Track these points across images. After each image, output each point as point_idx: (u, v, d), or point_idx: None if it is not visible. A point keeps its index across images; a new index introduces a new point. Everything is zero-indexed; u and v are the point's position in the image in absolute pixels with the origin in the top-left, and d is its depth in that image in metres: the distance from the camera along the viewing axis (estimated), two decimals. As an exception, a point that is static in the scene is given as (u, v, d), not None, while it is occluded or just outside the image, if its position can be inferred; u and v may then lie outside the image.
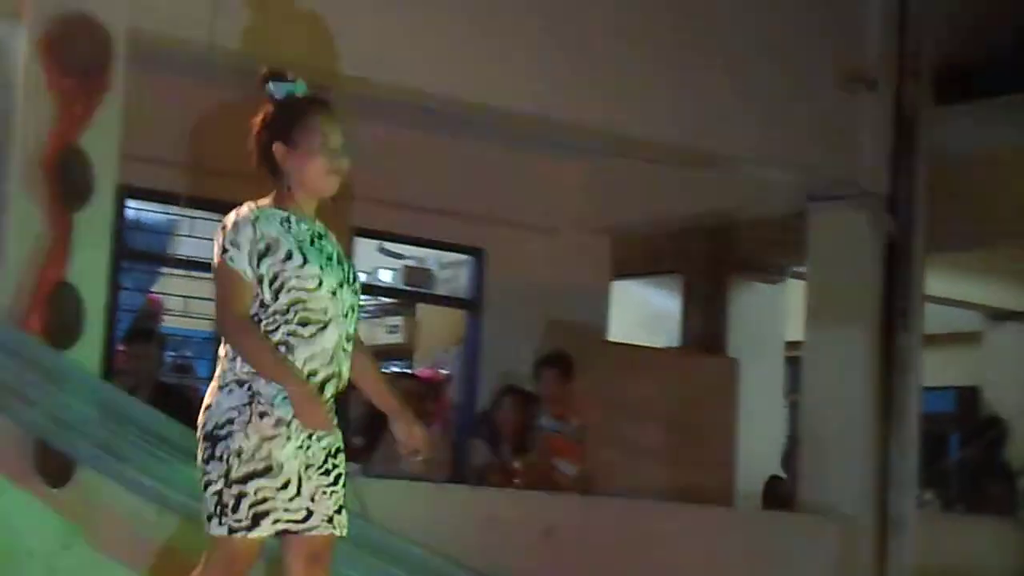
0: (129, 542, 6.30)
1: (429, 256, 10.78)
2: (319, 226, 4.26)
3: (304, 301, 4.05)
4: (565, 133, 8.39)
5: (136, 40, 6.49)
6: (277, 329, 4.05)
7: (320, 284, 4.08)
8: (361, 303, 4.28)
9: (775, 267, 11.46)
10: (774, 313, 11.51)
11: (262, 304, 4.07)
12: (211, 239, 9.45)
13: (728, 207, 10.14)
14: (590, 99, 7.81)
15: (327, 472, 4.13)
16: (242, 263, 4.06)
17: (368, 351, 4.41)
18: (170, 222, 9.64)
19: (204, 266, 9.33)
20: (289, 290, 4.05)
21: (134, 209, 9.17)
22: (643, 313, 11.99)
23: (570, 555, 7.47)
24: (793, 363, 11.12)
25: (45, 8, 6.24)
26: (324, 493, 4.12)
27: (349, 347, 4.16)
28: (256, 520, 4.02)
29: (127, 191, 7.69)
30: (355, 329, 4.22)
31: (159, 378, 7.94)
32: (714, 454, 9.06)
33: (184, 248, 9.53)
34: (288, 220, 4.14)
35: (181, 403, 7.42)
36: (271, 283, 4.05)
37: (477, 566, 6.68)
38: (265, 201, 4.19)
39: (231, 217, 4.14)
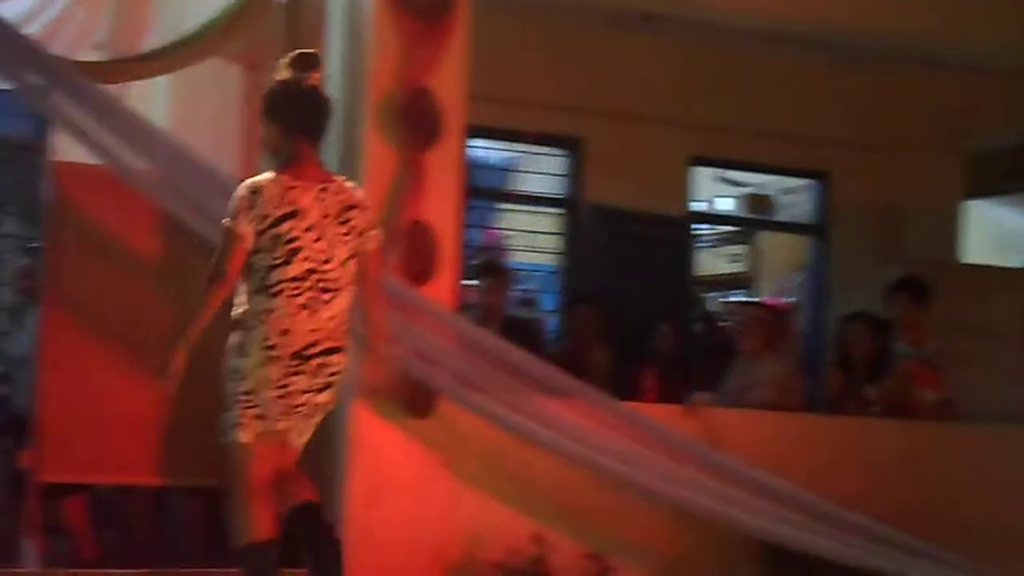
0: (490, 472, 6.47)
1: (769, 182, 10.58)
2: None
3: None
4: (914, 49, 8.05)
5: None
6: None
7: None
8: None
9: None
10: None
11: None
12: (551, 174, 9.66)
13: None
14: (940, 13, 7.47)
15: None
16: None
17: None
18: (510, 159, 9.80)
19: (545, 201, 9.52)
20: None
21: (476, 147, 9.36)
22: (997, 233, 11.46)
23: (930, 483, 7.23)
24: None
25: (394, -46, 6.40)
26: None
27: None
28: None
29: (471, 130, 7.82)
30: None
31: (507, 312, 8.08)
32: (1079, 377, 8.59)
33: (525, 184, 9.68)
34: None
35: (528, 335, 7.55)
36: None
37: (833, 495, 6.55)
38: None
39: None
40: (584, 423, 6.28)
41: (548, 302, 9.93)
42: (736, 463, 6.46)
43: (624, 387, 7.26)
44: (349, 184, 5.05)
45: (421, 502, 6.34)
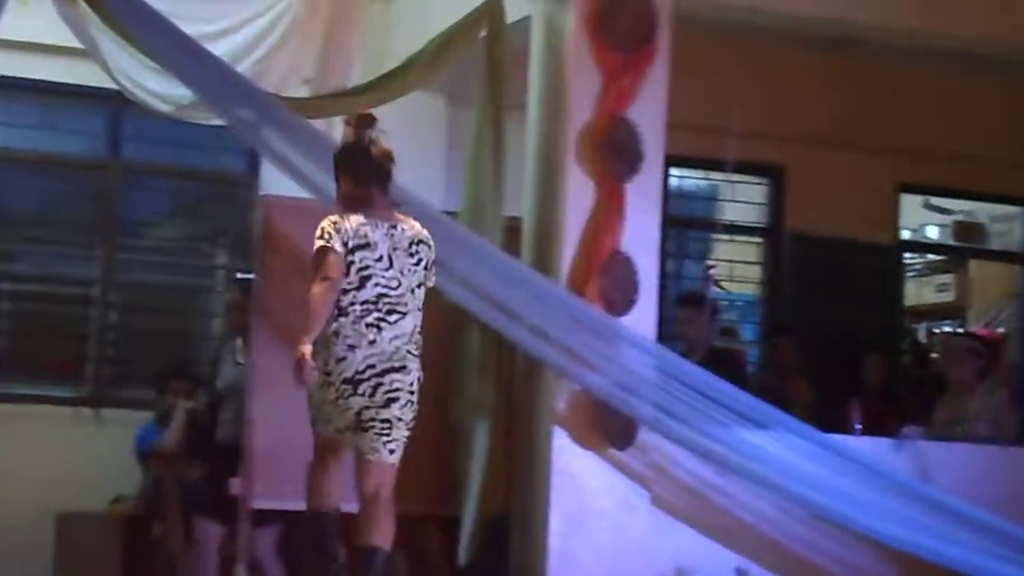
0: (693, 504, 6.41)
1: (980, 210, 10.29)
2: None
3: None
4: None
5: (679, 8, 6.56)
6: None
7: None
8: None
9: None
10: None
11: None
12: (753, 203, 9.55)
13: None
14: None
15: None
16: None
17: None
18: (711, 187, 9.73)
19: (746, 230, 9.43)
20: None
21: (676, 176, 9.32)
22: None
23: None
24: None
25: (592, -15, 6.43)
26: None
27: None
28: None
29: (670, 159, 7.79)
30: None
31: (710, 342, 8.01)
32: None
33: (725, 213, 9.60)
34: None
35: (730, 366, 7.46)
36: None
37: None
38: None
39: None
40: (788, 455, 6.18)
41: (748, 332, 9.81)
42: (946, 497, 6.28)
43: (830, 419, 7.12)
44: (416, 223, 5.62)
45: (622, 532, 6.31)
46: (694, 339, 7.61)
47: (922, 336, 10.93)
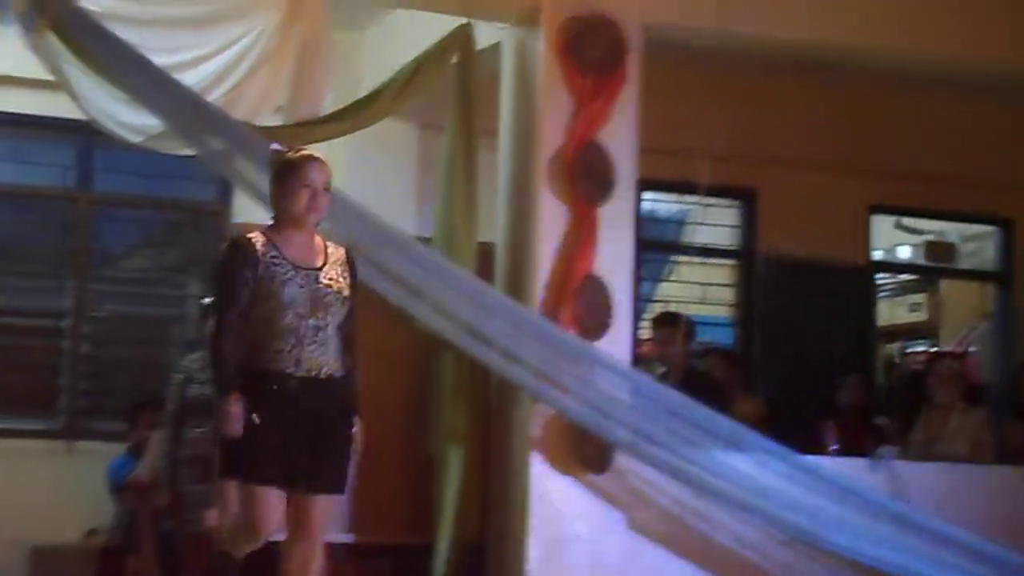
0: (670, 527, 6.40)
1: (951, 230, 10.33)
2: None
3: None
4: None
5: (649, 33, 6.58)
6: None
7: None
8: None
9: None
10: None
11: None
12: (725, 225, 9.54)
13: None
14: None
15: None
16: None
17: None
18: (682, 211, 9.74)
19: (719, 253, 9.44)
20: None
21: (649, 200, 9.33)
22: None
23: None
24: None
25: (562, 10, 6.45)
26: None
27: None
28: None
29: (643, 183, 7.80)
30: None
31: (687, 364, 7.99)
32: None
33: (697, 236, 9.61)
34: None
35: (707, 388, 7.44)
36: None
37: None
38: None
39: None
40: (765, 477, 6.18)
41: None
42: (923, 516, 6.28)
43: (806, 441, 7.12)
44: None
45: (599, 557, 6.30)
46: (670, 360, 7.59)
47: (896, 356, 10.95)
